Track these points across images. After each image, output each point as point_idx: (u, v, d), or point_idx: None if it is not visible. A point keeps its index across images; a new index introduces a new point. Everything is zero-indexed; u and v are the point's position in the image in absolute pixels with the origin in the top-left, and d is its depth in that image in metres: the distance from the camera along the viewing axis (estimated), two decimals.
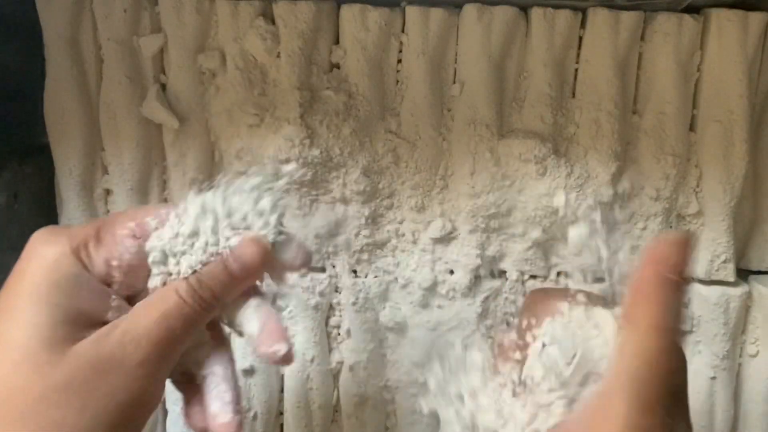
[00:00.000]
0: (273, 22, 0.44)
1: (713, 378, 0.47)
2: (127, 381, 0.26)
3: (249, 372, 0.46)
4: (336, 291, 0.47)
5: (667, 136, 0.45)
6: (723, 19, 0.43)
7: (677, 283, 0.25)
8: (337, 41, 0.45)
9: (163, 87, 0.46)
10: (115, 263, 0.29)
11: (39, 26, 0.45)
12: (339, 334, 0.47)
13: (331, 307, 0.47)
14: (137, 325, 0.27)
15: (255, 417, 0.47)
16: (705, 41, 0.45)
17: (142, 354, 0.27)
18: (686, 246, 0.25)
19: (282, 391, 0.48)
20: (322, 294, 0.46)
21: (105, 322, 0.28)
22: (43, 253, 0.28)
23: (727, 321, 0.46)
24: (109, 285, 0.29)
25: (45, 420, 0.25)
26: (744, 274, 0.48)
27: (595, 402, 0.25)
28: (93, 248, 0.29)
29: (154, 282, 0.30)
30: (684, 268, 0.25)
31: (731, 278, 0.46)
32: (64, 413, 0.25)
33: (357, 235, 0.45)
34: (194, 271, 0.29)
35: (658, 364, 0.24)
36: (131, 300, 0.30)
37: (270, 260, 0.31)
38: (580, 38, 0.44)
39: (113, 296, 0.29)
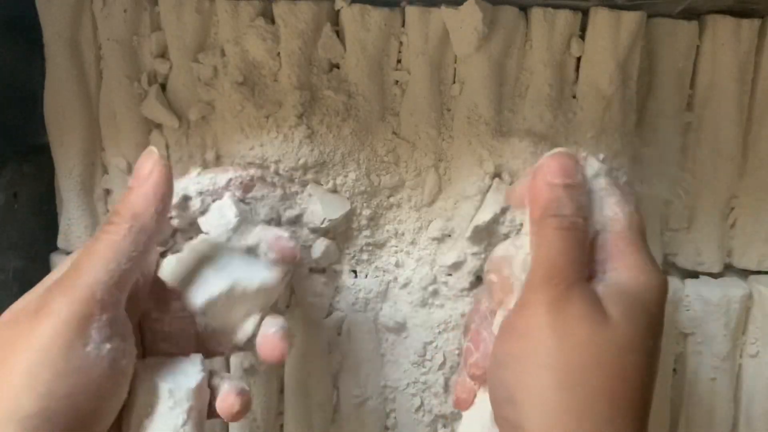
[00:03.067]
0: (273, 21, 0.44)
1: (713, 379, 0.47)
2: (47, 317, 0.29)
3: (249, 372, 0.46)
4: (336, 291, 0.47)
5: (665, 137, 0.45)
6: (717, 25, 0.44)
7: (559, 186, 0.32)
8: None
9: (163, 87, 0.46)
10: None
11: (39, 26, 0.45)
12: (339, 334, 0.47)
13: (330, 307, 0.47)
14: (61, 274, 0.31)
15: (255, 417, 0.47)
16: (700, 46, 0.45)
17: (59, 290, 0.29)
18: (565, 157, 0.33)
19: (282, 391, 0.48)
20: (321, 294, 0.46)
21: None
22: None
23: (728, 322, 0.46)
24: None
25: (13, 371, 0.28)
26: (744, 274, 0.48)
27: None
28: None
29: None
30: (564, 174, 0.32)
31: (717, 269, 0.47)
32: (20, 359, 0.28)
33: (357, 235, 0.45)
34: None
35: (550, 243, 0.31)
36: None
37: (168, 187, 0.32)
38: (582, 38, 0.44)
39: None
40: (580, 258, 0.31)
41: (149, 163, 0.32)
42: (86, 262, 0.30)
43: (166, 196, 0.32)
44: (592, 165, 0.35)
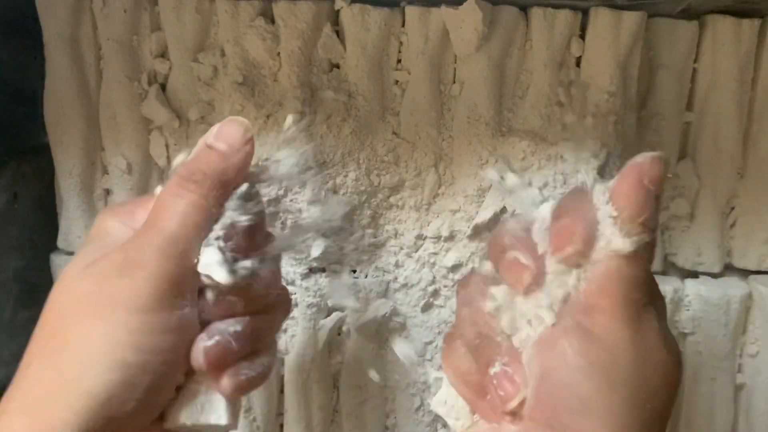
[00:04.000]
0: (273, 21, 0.44)
1: (713, 379, 0.47)
2: (135, 279, 0.26)
3: None
4: (336, 291, 0.47)
5: (665, 137, 0.45)
6: (717, 25, 0.44)
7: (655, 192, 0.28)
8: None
9: (163, 87, 0.46)
10: None
11: (39, 26, 0.45)
12: (339, 334, 0.47)
13: (330, 307, 0.47)
14: (137, 232, 0.28)
15: (255, 417, 0.47)
16: (700, 46, 0.45)
17: (143, 250, 0.27)
18: (663, 162, 0.28)
19: (282, 391, 0.48)
20: (321, 294, 0.46)
21: None
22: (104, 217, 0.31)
23: (728, 322, 0.46)
24: None
25: (84, 333, 0.26)
26: (744, 274, 0.48)
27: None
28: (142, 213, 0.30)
29: None
30: (661, 181, 0.28)
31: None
32: (95, 321, 0.26)
33: (357, 235, 0.45)
34: None
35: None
36: None
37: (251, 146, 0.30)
38: (582, 38, 0.44)
39: None
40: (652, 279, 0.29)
41: (243, 133, 0.30)
42: (173, 219, 0.28)
43: (245, 173, 0.30)
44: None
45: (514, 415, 0.28)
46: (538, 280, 0.29)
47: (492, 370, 0.29)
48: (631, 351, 0.28)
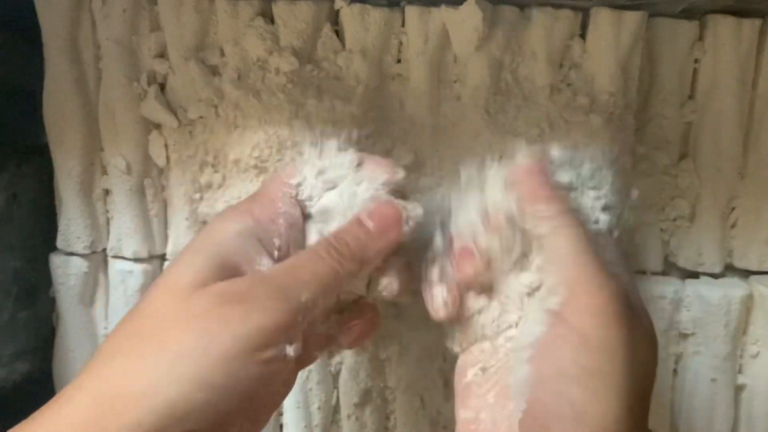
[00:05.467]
0: (272, 21, 0.43)
1: (713, 379, 0.47)
2: (243, 311, 0.28)
3: None
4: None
5: (665, 137, 0.45)
6: (718, 24, 0.44)
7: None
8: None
9: (163, 87, 0.46)
10: (280, 221, 0.32)
11: (38, 26, 0.45)
12: None
13: None
14: (269, 270, 0.30)
15: None
16: (701, 46, 0.45)
17: (262, 291, 0.28)
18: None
19: None
20: None
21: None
22: (222, 223, 0.32)
23: (728, 322, 0.46)
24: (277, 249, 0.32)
25: (182, 344, 0.26)
26: (744, 274, 0.48)
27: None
28: (259, 210, 0.32)
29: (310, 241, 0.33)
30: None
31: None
32: (198, 337, 0.27)
33: None
34: None
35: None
36: None
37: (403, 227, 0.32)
38: (582, 38, 0.44)
39: (263, 250, 0.31)
40: None
41: (400, 224, 0.32)
42: (303, 276, 0.30)
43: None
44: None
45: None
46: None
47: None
48: (625, 352, 0.28)
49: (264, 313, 0.28)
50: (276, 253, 0.32)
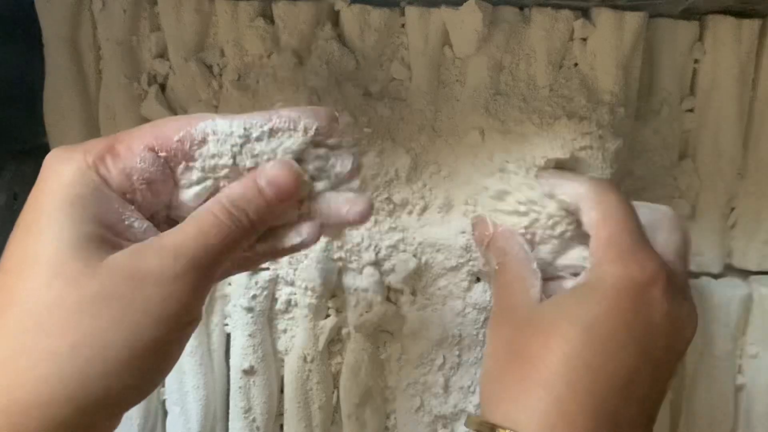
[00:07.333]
0: (272, 22, 0.43)
1: (713, 380, 0.47)
2: (163, 294, 0.26)
3: (249, 372, 0.46)
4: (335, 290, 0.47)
5: (665, 137, 0.45)
6: (718, 25, 0.44)
7: None
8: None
9: (163, 87, 0.46)
10: (135, 177, 0.28)
11: (39, 26, 0.45)
12: (339, 334, 0.47)
13: (329, 308, 0.47)
14: (174, 240, 0.27)
15: (254, 417, 0.47)
16: (701, 47, 0.45)
17: (179, 268, 0.26)
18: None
19: (282, 391, 0.48)
20: (321, 295, 0.46)
21: (129, 239, 0.27)
22: (60, 170, 0.27)
23: (728, 322, 0.46)
24: (130, 202, 0.28)
25: (82, 331, 0.24)
26: (744, 274, 0.48)
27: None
28: (111, 162, 0.28)
29: (187, 196, 0.30)
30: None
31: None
32: (101, 324, 0.24)
33: (355, 235, 0.45)
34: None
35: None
36: (153, 219, 0.29)
37: (307, 192, 0.31)
38: (583, 38, 0.44)
39: (134, 212, 0.28)
40: None
41: (296, 185, 0.30)
42: (210, 241, 0.27)
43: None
44: None
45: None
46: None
47: None
48: (666, 323, 0.33)
49: (182, 291, 0.26)
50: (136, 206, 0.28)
